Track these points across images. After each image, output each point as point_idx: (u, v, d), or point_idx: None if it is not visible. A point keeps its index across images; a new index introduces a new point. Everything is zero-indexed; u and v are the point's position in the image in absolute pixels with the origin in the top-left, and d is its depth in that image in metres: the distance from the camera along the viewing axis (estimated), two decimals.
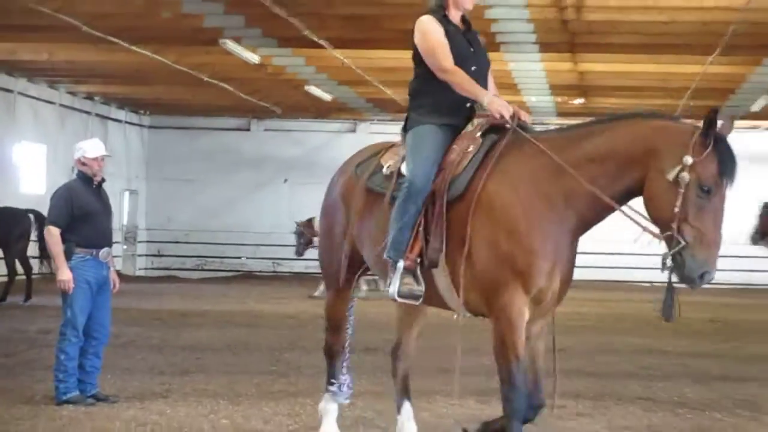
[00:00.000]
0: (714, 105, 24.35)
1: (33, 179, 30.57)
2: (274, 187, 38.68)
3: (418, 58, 7.84)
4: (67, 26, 21.19)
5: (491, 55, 23.15)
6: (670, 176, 6.81)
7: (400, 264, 7.37)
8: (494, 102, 7.47)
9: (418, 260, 7.33)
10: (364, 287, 22.91)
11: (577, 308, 22.08)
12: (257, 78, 29.47)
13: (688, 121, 7.52)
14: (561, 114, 36.19)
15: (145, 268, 32.75)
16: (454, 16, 7.77)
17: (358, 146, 33.16)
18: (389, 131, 36.56)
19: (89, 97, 35.11)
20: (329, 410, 8.47)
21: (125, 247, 37.37)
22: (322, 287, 23.58)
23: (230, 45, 23.26)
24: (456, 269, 7.25)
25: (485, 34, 21.37)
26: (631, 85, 30.15)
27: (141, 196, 38.92)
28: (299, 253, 30.80)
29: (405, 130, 7.91)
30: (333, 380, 8.49)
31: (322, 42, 22.82)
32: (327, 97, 32.65)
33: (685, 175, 6.71)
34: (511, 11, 20.65)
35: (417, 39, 7.83)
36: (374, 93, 31.78)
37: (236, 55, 24.37)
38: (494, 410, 9.53)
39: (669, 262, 6.97)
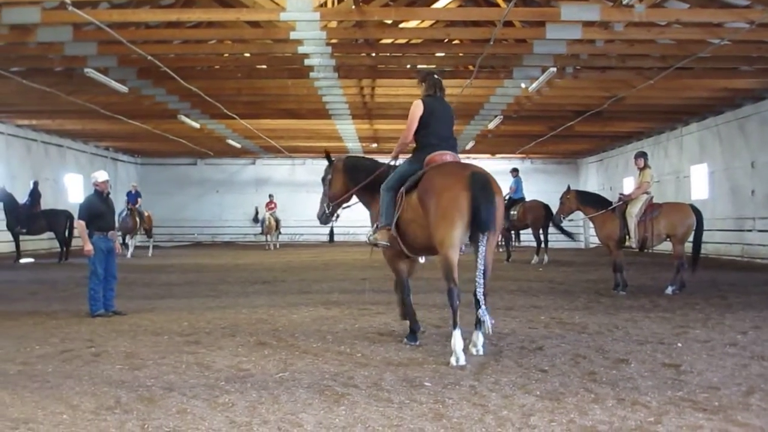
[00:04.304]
0: None
1: (75, 194, 32.03)
2: (210, 195, 40.65)
3: None
4: (92, 110, 23.34)
5: (326, 123, 28.00)
6: None
7: None
8: None
9: None
10: None
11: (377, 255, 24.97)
12: (199, 136, 30.88)
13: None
14: (366, 152, 35.21)
15: (141, 241, 33.74)
16: None
17: (257, 173, 38.48)
18: (272, 163, 39.40)
19: (107, 148, 36.96)
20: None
21: None
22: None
23: (183, 118, 25.32)
24: None
25: (323, 110, 23.98)
26: (399, 136, 32.08)
27: (140, 200, 39.80)
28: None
29: None
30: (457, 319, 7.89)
31: (234, 115, 24.90)
32: (238, 145, 33.69)
33: None
34: (336, 98, 22.55)
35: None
36: (263, 143, 33.07)
37: (187, 124, 26.22)
38: None
39: None
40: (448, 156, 8.62)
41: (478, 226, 7.97)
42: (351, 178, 9.67)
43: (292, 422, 5.69)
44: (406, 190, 8.57)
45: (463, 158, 34.86)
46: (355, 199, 9.84)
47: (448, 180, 8.15)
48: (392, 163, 9.30)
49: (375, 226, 8.99)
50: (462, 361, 7.66)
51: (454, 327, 7.88)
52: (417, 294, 13.32)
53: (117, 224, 25.35)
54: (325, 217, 9.98)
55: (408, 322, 9.17)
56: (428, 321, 10.49)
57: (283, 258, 26.82)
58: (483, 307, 7.96)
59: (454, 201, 7.95)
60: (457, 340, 7.81)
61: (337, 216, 10.11)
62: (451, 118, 8.86)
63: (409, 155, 9.04)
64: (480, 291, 7.93)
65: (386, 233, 8.71)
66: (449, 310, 8.10)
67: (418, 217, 8.38)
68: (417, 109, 8.67)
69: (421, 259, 9.58)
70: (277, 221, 33.70)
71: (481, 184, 8.03)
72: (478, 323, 8.09)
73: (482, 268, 8.00)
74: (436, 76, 9.02)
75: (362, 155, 10.09)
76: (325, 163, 10.01)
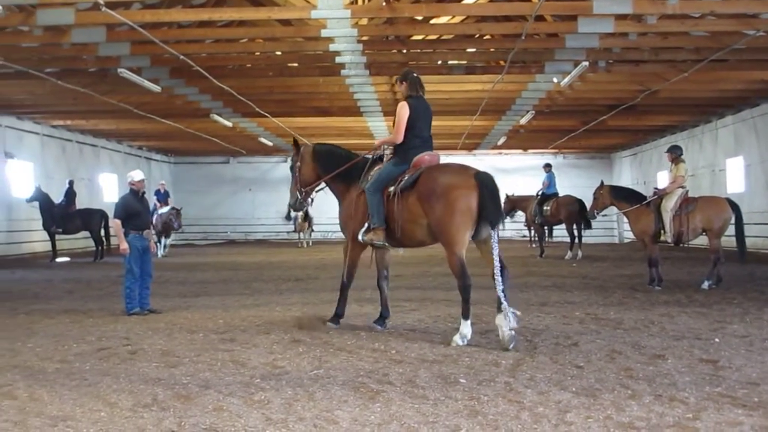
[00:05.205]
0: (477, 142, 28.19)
1: (110, 193, 32.88)
2: (243, 194, 40.85)
3: None
4: (125, 110, 23.52)
5: (357, 120, 27.96)
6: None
7: None
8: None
9: None
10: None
11: (410, 252, 22.99)
12: (231, 134, 30.95)
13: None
14: None
15: (175, 240, 33.52)
16: None
17: (288, 171, 37.84)
18: None
19: (140, 147, 37.34)
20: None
21: None
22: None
23: (216, 117, 25.41)
24: None
25: (354, 108, 23.95)
26: (431, 132, 31.69)
27: (171, 199, 40.95)
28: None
29: None
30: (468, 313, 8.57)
31: (265, 114, 24.97)
32: (270, 143, 33.68)
33: None
34: (368, 95, 22.54)
35: None
36: None
37: (219, 123, 26.33)
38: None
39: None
40: (435, 157, 9.14)
41: (489, 222, 8.49)
42: (322, 165, 9.97)
43: (328, 419, 5.70)
44: (401, 190, 8.86)
45: (496, 154, 34.62)
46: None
47: (455, 180, 8.55)
48: (369, 156, 9.64)
49: (367, 226, 9.18)
50: (464, 343, 8.39)
51: (467, 318, 8.52)
52: (450, 291, 13.39)
53: (156, 223, 25.69)
54: (299, 204, 10.37)
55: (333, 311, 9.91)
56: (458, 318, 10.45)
57: (315, 255, 26.83)
58: (505, 302, 8.34)
59: (464, 200, 8.38)
60: (468, 328, 8.52)
61: (312, 200, 10.45)
62: (431, 117, 9.24)
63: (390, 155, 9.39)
64: (500, 288, 8.34)
65: (381, 233, 9.02)
66: (462, 303, 8.64)
67: (417, 217, 8.75)
68: (404, 111, 9.00)
69: (401, 251, 10.16)
70: (310, 219, 33.76)
71: (488, 183, 8.52)
72: (499, 309, 8.38)
73: (499, 264, 8.45)
74: (415, 75, 9.29)
75: (331, 143, 10.41)
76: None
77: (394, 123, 9.24)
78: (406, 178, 8.90)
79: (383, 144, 9.51)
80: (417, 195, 8.73)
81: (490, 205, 8.41)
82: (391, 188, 8.98)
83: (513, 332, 8.23)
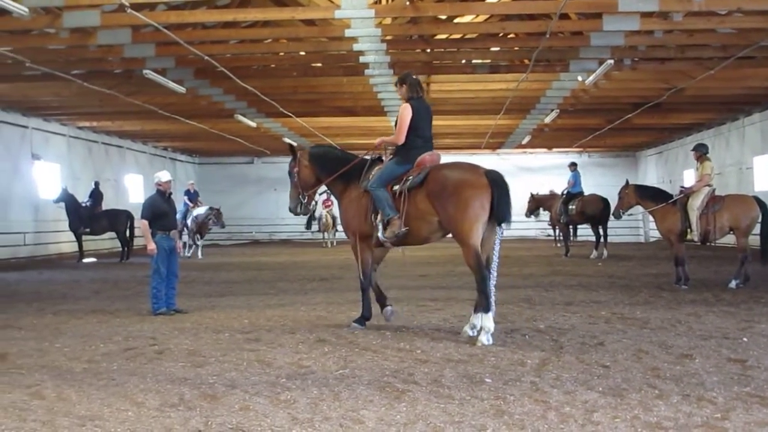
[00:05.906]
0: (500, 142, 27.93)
1: (135, 194, 33.25)
2: (268, 194, 40.45)
3: None
4: (150, 111, 23.74)
5: (381, 120, 27.81)
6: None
7: None
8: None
9: None
10: None
11: (435, 252, 23.65)
12: (255, 135, 31.04)
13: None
14: None
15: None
16: None
17: None
18: None
19: (165, 148, 37.70)
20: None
21: None
22: None
23: (240, 117, 25.61)
24: None
25: (378, 107, 23.86)
26: (455, 132, 30.90)
27: (200, 199, 40.09)
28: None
29: None
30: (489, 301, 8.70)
31: (289, 114, 25.27)
32: (294, 143, 32.56)
33: None
34: (392, 95, 21.75)
35: None
36: (318, 140, 31.86)
37: (244, 123, 26.51)
38: None
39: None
40: (435, 156, 9.27)
41: (498, 219, 8.76)
42: (321, 168, 10.10)
43: (354, 419, 5.71)
44: (408, 189, 9.01)
45: (520, 153, 34.48)
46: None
47: (467, 177, 8.76)
48: (368, 156, 9.83)
49: (383, 222, 9.25)
50: (489, 341, 8.44)
51: (488, 310, 8.60)
52: (475, 290, 13.38)
53: (194, 224, 25.69)
54: (303, 208, 10.42)
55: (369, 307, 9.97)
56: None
57: (340, 255, 26.79)
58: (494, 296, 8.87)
59: (477, 198, 8.58)
60: (490, 321, 8.57)
61: (316, 203, 10.63)
62: (431, 118, 9.41)
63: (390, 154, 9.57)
64: (493, 282, 8.88)
65: (397, 221, 9.11)
66: (482, 296, 8.76)
67: (425, 215, 8.97)
68: (407, 112, 9.15)
69: (399, 249, 10.29)
70: (334, 219, 33.74)
71: (500, 182, 8.75)
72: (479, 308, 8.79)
73: (497, 260, 9.02)
74: (414, 77, 9.47)
75: (327, 144, 10.56)
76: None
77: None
78: (412, 177, 9.07)
79: (384, 144, 9.65)
80: (426, 193, 8.91)
81: (502, 203, 8.64)
82: (396, 187, 9.15)
83: (479, 332, 8.60)
